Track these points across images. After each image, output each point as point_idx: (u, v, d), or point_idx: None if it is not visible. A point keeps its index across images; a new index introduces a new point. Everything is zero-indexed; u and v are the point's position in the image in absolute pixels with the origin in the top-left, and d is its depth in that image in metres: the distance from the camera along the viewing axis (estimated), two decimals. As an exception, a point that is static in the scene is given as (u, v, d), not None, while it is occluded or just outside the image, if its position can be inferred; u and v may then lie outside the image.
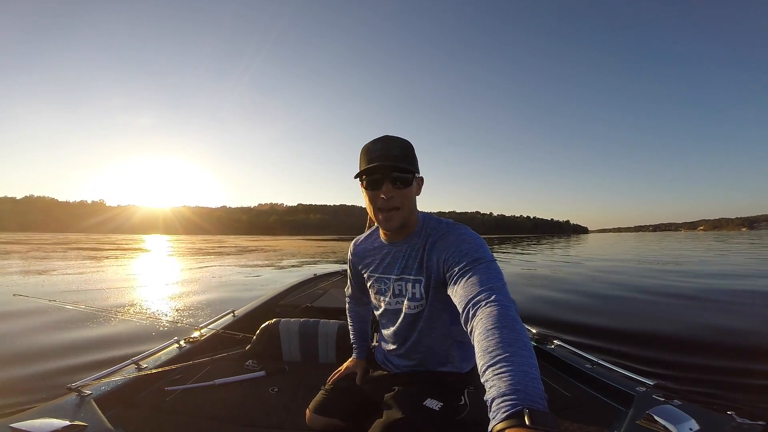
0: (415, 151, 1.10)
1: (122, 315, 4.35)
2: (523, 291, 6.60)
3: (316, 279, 4.00)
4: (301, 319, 2.14)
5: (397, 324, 1.20)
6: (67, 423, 1.09)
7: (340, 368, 1.42)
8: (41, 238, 52.37)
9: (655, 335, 3.68)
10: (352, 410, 1.24)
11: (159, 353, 1.90)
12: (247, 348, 2.14)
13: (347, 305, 1.52)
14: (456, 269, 0.94)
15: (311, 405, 1.29)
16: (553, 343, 2.13)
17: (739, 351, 3.15)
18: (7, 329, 3.92)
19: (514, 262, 13.42)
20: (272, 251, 21.87)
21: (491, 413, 0.57)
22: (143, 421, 1.45)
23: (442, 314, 1.13)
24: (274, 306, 3.08)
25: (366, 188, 1.07)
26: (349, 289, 1.48)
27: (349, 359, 1.45)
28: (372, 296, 1.28)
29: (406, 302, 1.15)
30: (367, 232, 1.33)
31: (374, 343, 1.46)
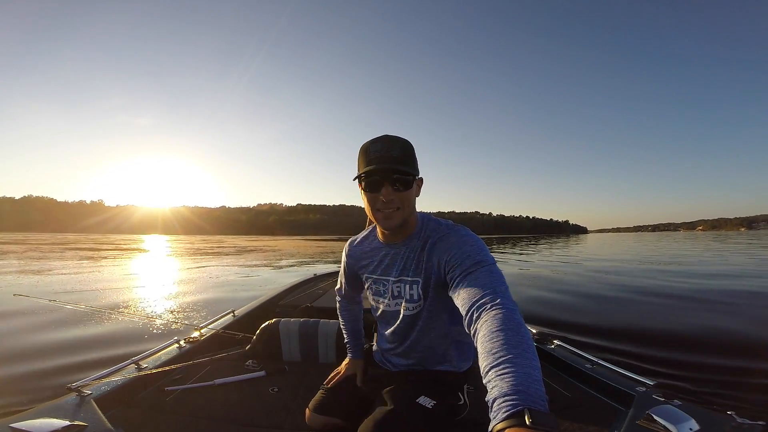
0: (415, 152, 1.09)
1: (122, 315, 4.35)
2: (523, 291, 6.61)
3: (316, 279, 4.00)
4: (301, 319, 2.14)
5: (395, 325, 1.20)
6: (67, 423, 1.09)
7: (338, 369, 1.41)
8: (40, 238, 52.32)
9: (655, 335, 3.69)
10: (351, 409, 1.25)
11: (159, 353, 1.90)
12: (247, 348, 2.14)
13: (338, 305, 1.50)
14: (458, 271, 0.94)
15: (311, 404, 1.29)
16: (553, 343, 2.13)
17: (739, 351, 3.15)
18: (7, 329, 3.91)
19: (513, 263, 13.43)
20: (271, 251, 21.86)
21: (492, 413, 0.58)
22: (143, 421, 1.45)
23: (441, 314, 1.14)
24: (274, 306, 3.08)
25: (365, 190, 1.06)
26: (341, 289, 1.45)
27: (345, 361, 1.44)
28: (370, 298, 1.28)
29: (404, 303, 1.15)
30: (363, 232, 1.32)
31: (373, 343, 1.46)
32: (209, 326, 2.34)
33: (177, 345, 2.02)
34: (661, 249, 21.16)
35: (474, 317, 0.80)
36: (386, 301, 1.20)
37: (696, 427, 1.07)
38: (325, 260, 14.98)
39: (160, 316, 4.69)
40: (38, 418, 1.11)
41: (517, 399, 0.56)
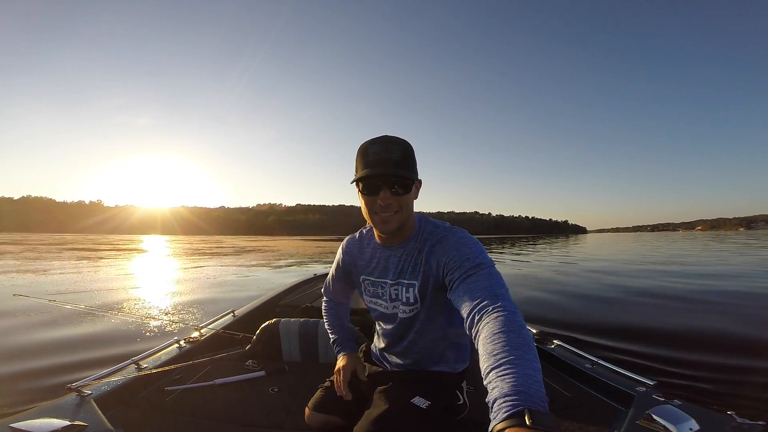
0: (414, 153, 1.07)
1: (122, 315, 4.35)
2: (523, 291, 6.61)
3: (316, 279, 4.00)
4: (301, 319, 2.14)
5: (393, 326, 1.20)
6: (67, 423, 1.09)
7: (338, 368, 1.31)
8: (38, 238, 52.26)
9: (654, 335, 3.69)
10: (350, 407, 1.25)
11: (159, 353, 1.90)
12: (247, 348, 2.14)
13: (324, 305, 1.45)
14: (457, 274, 0.94)
15: (310, 403, 1.30)
16: (553, 343, 2.13)
17: (739, 351, 3.16)
18: (7, 329, 3.91)
19: (513, 263, 13.44)
20: (270, 252, 21.85)
21: (492, 413, 0.58)
22: (143, 421, 1.45)
23: (438, 316, 1.14)
24: (274, 306, 3.08)
25: (363, 193, 1.04)
26: (329, 287, 1.43)
27: (341, 359, 1.34)
28: (367, 300, 1.27)
29: (401, 306, 1.15)
30: (357, 233, 1.31)
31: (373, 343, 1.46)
32: (209, 326, 2.34)
33: (177, 345, 2.02)
34: (661, 249, 21.19)
35: (475, 320, 0.81)
36: (384, 303, 1.20)
37: (696, 427, 1.07)
38: (325, 260, 14.97)
39: (160, 316, 4.69)
40: (38, 418, 1.11)
41: (517, 399, 0.57)
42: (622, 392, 1.51)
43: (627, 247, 25.84)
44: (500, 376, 0.62)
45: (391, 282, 1.15)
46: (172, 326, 4.01)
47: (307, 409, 1.30)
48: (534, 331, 2.31)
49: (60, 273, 9.57)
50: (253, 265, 12.76)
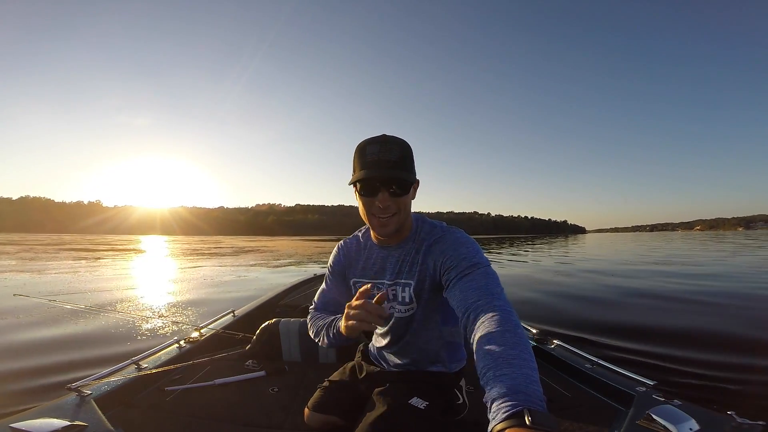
0: (413, 154, 1.06)
1: (122, 315, 4.35)
2: (523, 291, 6.62)
3: (316, 279, 4.00)
4: (301, 319, 2.14)
5: (390, 326, 1.20)
6: (67, 423, 1.09)
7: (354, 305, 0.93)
8: (37, 238, 52.20)
9: (654, 335, 3.69)
10: (349, 407, 1.26)
11: (159, 353, 1.90)
12: (247, 348, 2.14)
13: (311, 315, 1.27)
14: (453, 273, 0.95)
15: (309, 403, 1.31)
16: (553, 343, 2.14)
17: (739, 351, 3.16)
18: (7, 329, 3.91)
19: (512, 263, 13.44)
20: (269, 252, 21.83)
21: (491, 414, 0.58)
22: (143, 421, 1.45)
23: (435, 315, 1.14)
24: (274, 306, 3.09)
25: (360, 194, 1.03)
26: (323, 298, 1.28)
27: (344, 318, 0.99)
28: None
29: (397, 306, 1.15)
30: (353, 237, 1.28)
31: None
32: (209, 326, 2.34)
33: (177, 345, 2.02)
34: (660, 249, 21.21)
35: (471, 319, 0.81)
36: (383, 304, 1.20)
37: (696, 427, 1.08)
38: (324, 260, 14.96)
39: (160, 316, 4.69)
40: (38, 418, 1.11)
41: (516, 399, 0.57)
42: (622, 392, 1.51)
43: (626, 247, 25.88)
44: (497, 375, 0.62)
45: (388, 282, 1.15)
46: (172, 326, 4.00)
47: (306, 410, 1.30)
48: (534, 331, 2.31)
49: (59, 273, 9.56)
50: (252, 265, 12.75)
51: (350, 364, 1.43)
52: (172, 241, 52.74)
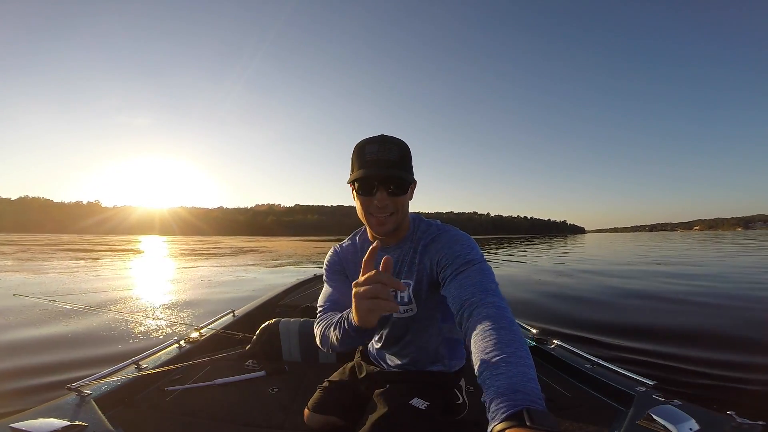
0: (411, 154, 1.06)
1: (122, 315, 4.34)
2: (522, 291, 6.62)
3: (316, 279, 4.00)
4: (301, 319, 2.14)
5: (389, 327, 1.20)
6: (67, 423, 1.09)
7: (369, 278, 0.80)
8: (35, 238, 52.17)
9: (654, 335, 3.70)
10: (349, 407, 1.26)
11: (159, 353, 1.90)
12: (247, 348, 2.14)
13: (319, 318, 1.12)
14: (449, 271, 0.95)
15: (309, 404, 1.31)
16: (552, 343, 2.14)
17: (739, 351, 3.16)
18: (7, 329, 3.91)
19: (512, 263, 13.45)
20: (268, 252, 21.81)
21: (490, 414, 0.58)
22: (143, 421, 1.45)
23: (434, 313, 1.14)
24: (274, 306, 3.09)
25: (358, 193, 1.02)
26: (331, 297, 1.16)
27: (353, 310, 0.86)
28: None
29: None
30: (348, 239, 1.25)
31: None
32: (209, 326, 2.34)
33: (177, 345, 2.02)
34: (659, 250, 21.22)
35: (465, 315, 0.81)
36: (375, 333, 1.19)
37: (696, 427, 1.08)
38: (323, 261, 14.96)
39: (160, 316, 4.69)
40: (38, 418, 1.11)
41: (514, 399, 0.57)
42: (622, 392, 1.51)
43: (625, 247, 25.90)
44: (495, 374, 0.62)
45: None
46: (172, 326, 4.00)
47: (306, 410, 1.30)
48: (534, 331, 2.32)
49: (58, 274, 9.55)
50: (251, 266, 12.75)
51: (350, 364, 1.43)
52: (171, 242, 52.70)
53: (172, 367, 1.76)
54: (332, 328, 0.98)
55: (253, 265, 13.11)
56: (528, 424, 0.52)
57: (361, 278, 0.79)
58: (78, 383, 1.40)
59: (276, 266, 12.58)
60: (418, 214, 1.19)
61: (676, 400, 1.27)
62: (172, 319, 4.45)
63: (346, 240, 1.27)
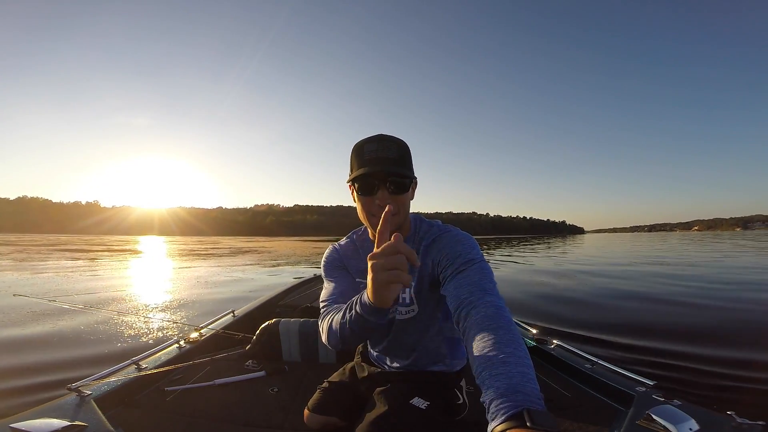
0: (411, 152, 1.04)
1: (122, 315, 4.34)
2: (523, 292, 6.63)
3: (316, 279, 4.00)
4: (301, 319, 2.14)
5: (390, 329, 1.19)
6: (67, 423, 1.09)
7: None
8: (33, 239, 52.12)
9: (654, 335, 3.70)
10: (349, 408, 1.26)
11: (159, 353, 1.90)
12: (247, 348, 2.14)
13: (323, 312, 1.05)
14: (449, 270, 0.94)
15: (309, 404, 1.30)
16: (552, 343, 2.14)
17: (738, 351, 3.17)
18: (7, 329, 3.91)
19: (512, 263, 13.45)
20: (267, 252, 21.79)
21: (490, 414, 0.58)
22: (143, 421, 1.45)
23: (435, 313, 1.14)
24: (274, 306, 3.09)
25: (359, 193, 1.00)
26: (336, 289, 1.11)
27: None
28: None
29: (398, 308, 1.14)
30: (346, 239, 1.24)
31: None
32: (209, 326, 2.34)
33: (177, 345, 2.02)
34: (659, 250, 21.25)
35: (462, 314, 0.81)
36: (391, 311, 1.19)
37: (696, 427, 1.08)
38: (321, 261, 14.93)
39: (160, 316, 4.69)
40: (38, 418, 1.11)
41: (514, 399, 0.57)
42: (622, 392, 1.51)
43: (624, 247, 25.93)
44: (493, 375, 0.62)
45: None
46: (172, 326, 4.01)
47: (306, 410, 1.30)
48: (534, 331, 2.32)
49: (59, 274, 9.54)
50: (250, 266, 12.75)
51: (350, 364, 1.42)
52: (170, 242, 52.68)
53: (172, 367, 1.76)
54: (341, 317, 0.91)
55: (252, 265, 13.10)
56: (528, 424, 0.52)
57: (377, 249, 0.74)
58: (78, 383, 1.40)
59: (275, 266, 12.59)
60: (419, 215, 1.19)
61: (676, 400, 1.27)
62: (172, 319, 4.45)
63: (343, 239, 1.25)
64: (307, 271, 10.15)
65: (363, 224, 1.14)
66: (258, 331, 2.14)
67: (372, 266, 0.74)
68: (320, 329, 1.02)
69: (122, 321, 4.16)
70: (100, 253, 20.27)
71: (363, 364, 1.35)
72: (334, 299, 1.06)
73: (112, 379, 1.53)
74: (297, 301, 3.30)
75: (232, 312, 2.67)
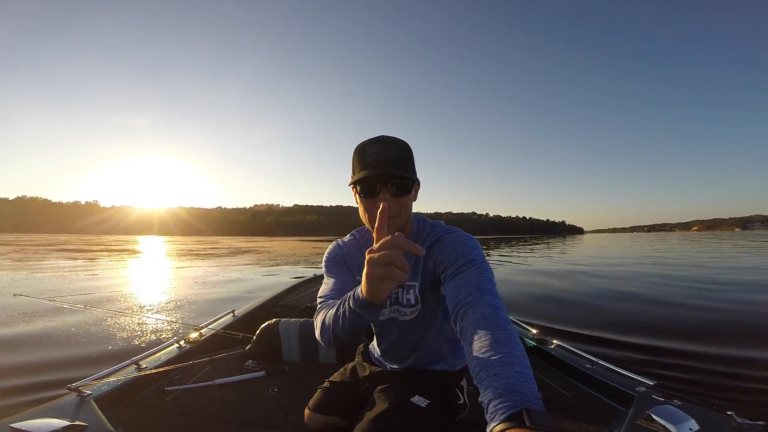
0: (413, 154, 1.04)
1: (122, 315, 4.35)
2: (523, 292, 6.63)
3: (316, 279, 4.00)
4: (301, 319, 2.14)
5: (393, 328, 1.20)
6: (67, 423, 1.08)
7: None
8: (31, 239, 52.11)
9: (654, 335, 3.70)
10: (349, 407, 1.25)
11: (159, 353, 1.90)
12: (247, 348, 2.14)
13: (319, 306, 1.07)
14: (450, 271, 0.95)
15: (310, 404, 1.30)
16: (552, 343, 2.14)
17: (739, 351, 3.17)
18: (7, 329, 3.91)
19: (512, 263, 13.46)
20: (266, 253, 21.78)
21: (488, 415, 0.58)
22: (143, 421, 1.44)
23: (437, 313, 1.14)
24: (274, 306, 3.08)
25: (360, 195, 1.00)
26: (335, 286, 1.11)
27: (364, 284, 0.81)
28: None
29: (401, 309, 1.14)
30: (350, 236, 1.24)
31: (370, 342, 1.45)
32: (209, 326, 2.34)
33: (177, 345, 2.02)
34: (658, 250, 21.26)
35: (459, 314, 0.81)
36: (384, 308, 1.19)
37: (696, 427, 1.08)
38: (320, 261, 14.94)
39: (160, 316, 4.69)
40: (38, 418, 1.11)
41: (513, 399, 0.57)
42: (622, 392, 1.51)
43: (624, 247, 25.95)
44: (491, 375, 0.62)
45: None
46: (172, 326, 4.01)
47: (306, 410, 1.30)
48: (534, 331, 2.32)
49: (59, 274, 9.54)
50: (250, 266, 12.76)
51: (351, 364, 1.42)
52: (169, 242, 52.66)
53: (172, 367, 1.76)
54: (334, 311, 0.92)
55: (251, 265, 13.10)
56: (528, 424, 0.52)
57: (375, 244, 0.75)
58: (78, 383, 1.39)
59: (274, 266, 12.58)
60: (422, 216, 1.19)
61: (676, 400, 1.27)
62: (171, 319, 4.45)
63: (347, 236, 1.25)
64: (306, 271, 10.15)
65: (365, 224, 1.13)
66: (258, 331, 2.14)
67: (368, 260, 0.75)
68: (315, 324, 1.04)
69: (122, 321, 4.16)
70: (99, 253, 20.25)
71: (364, 363, 1.35)
72: (332, 295, 1.07)
73: (112, 379, 1.53)
74: (297, 301, 3.29)
75: (232, 312, 2.67)
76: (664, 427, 1.10)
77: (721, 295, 5.94)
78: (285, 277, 9.20)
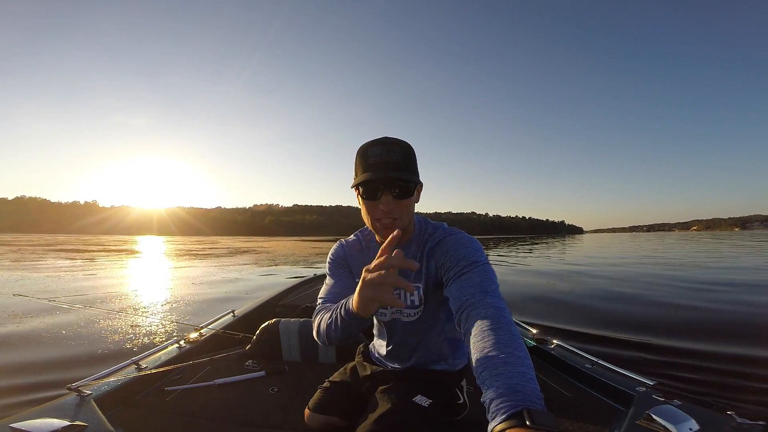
0: (416, 155, 1.04)
1: (122, 315, 4.35)
2: (523, 291, 6.63)
3: (316, 279, 4.00)
4: (301, 319, 2.14)
5: (395, 329, 1.20)
6: (67, 423, 1.08)
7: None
8: (30, 239, 52.07)
9: (654, 335, 3.70)
10: (350, 407, 1.26)
11: (159, 353, 1.90)
12: (247, 348, 2.14)
13: (318, 308, 1.09)
14: (452, 272, 0.95)
15: (310, 404, 1.30)
16: (552, 343, 2.14)
17: (739, 351, 3.17)
18: (7, 329, 3.90)
19: (512, 263, 13.46)
20: (265, 253, 21.78)
21: (490, 414, 0.58)
22: (143, 421, 1.44)
23: (438, 314, 1.15)
24: (274, 306, 3.08)
25: (363, 197, 1.00)
26: (333, 289, 1.13)
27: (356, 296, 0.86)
28: None
29: (404, 310, 1.14)
30: (353, 237, 1.25)
31: (371, 342, 1.45)
32: (209, 326, 2.34)
33: (177, 345, 2.02)
34: (658, 250, 21.27)
35: (463, 316, 0.81)
36: (385, 309, 1.19)
37: (696, 427, 1.08)
38: (320, 261, 14.95)
39: (160, 316, 4.69)
40: (38, 418, 1.10)
41: (514, 399, 0.57)
42: (622, 392, 1.51)
43: (623, 247, 25.96)
44: (494, 375, 0.62)
45: None
46: (172, 326, 4.00)
47: (306, 410, 1.30)
48: (534, 331, 2.32)
49: (59, 274, 9.53)
50: (249, 266, 12.76)
51: (351, 364, 1.42)
52: (168, 242, 52.64)
53: (172, 367, 1.76)
54: (329, 315, 0.98)
55: (251, 265, 13.10)
56: (528, 424, 0.52)
57: (372, 263, 0.78)
58: (78, 383, 1.39)
59: (273, 266, 12.58)
60: (424, 217, 1.19)
61: (676, 400, 1.27)
62: (171, 319, 4.45)
63: (351, 236, 1.26)
64: (306, 271, 10.15)
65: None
66: (258, 331, 2.14)
67: (363, 278, 0.80)
68: (312, 325, 1.08)
69: (122, 321, 4.16)
70: (98, 253, 20.24)
71: (365, 363, 1.35)
72: (330, 298, 1.11)
73: (112, 379, 1.53)
74: (297, 301, 3.29)
75: (232, 312, 2.67)
76: (664, 427, 1.10)
77: (720, 295, 5.95)
78: (284, 277, 9.20)
